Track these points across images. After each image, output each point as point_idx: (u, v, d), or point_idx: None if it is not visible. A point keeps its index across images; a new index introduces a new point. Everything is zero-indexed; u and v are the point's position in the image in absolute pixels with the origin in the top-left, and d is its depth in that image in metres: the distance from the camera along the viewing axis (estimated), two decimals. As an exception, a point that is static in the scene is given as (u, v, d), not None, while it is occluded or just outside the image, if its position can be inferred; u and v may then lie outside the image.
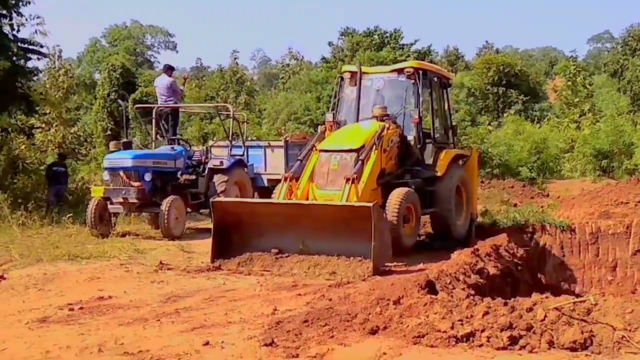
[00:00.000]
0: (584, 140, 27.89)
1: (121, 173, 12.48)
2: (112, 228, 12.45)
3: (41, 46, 18.16)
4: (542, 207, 15.39)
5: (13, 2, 17.07)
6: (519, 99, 41.58)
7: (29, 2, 17.25)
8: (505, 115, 38.72)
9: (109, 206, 12.54)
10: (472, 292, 7.25)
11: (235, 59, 49.87)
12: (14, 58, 17.41)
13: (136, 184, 12.37)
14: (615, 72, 42.93)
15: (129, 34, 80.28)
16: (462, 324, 5.37)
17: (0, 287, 8.11)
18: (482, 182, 19.85)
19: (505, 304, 5.77)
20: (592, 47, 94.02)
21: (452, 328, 5.31)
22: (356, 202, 9.15)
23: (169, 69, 14.75)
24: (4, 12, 17.03)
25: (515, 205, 16.09)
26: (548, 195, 19.83)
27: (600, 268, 12.98)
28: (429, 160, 11.40)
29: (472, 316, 5.47)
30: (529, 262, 12.07)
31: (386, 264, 8.98)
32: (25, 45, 17.75)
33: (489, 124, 34.88)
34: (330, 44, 46.53)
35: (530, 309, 5.55)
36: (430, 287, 6.73)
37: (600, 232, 13.00)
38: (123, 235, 12.34)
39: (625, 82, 40.15)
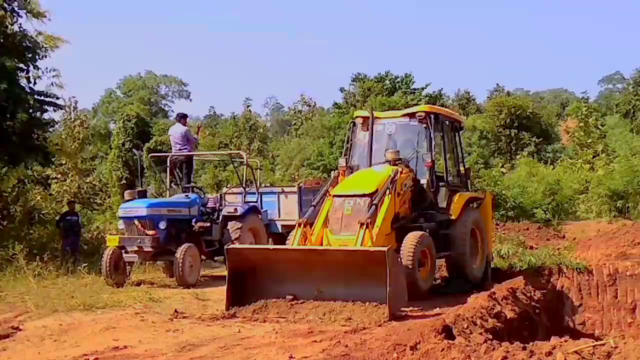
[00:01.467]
0: (599, 181, 27.79)
1: (136, 222, 12.54)
2: (127, 277, 12.45)
3: (57, 98, 18.43)
4: (558, 249, 15.26)
5: (30, 55, 17.39)
6: (532, 140, 41.65)
7: (46, 56, 17.58)
8: (518, 157, 38.76)
9: (124, 255, 12.57)
10: (490, 336, 7.16)
11: (248, 106, 50.55)
12: (31, 110, 17.67)
13: (151, 232, 12.42)
14: (627, 112, 42.99)
15: (144, 84, 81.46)
16: (480, 369, 5.30)
17: (15, 338, 8.10)
18: (497, 224, 19.74)
19: (524, 348, 5.70)
20: (603, 88, 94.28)
21: (470, 373, 5.25)
22: (371, 247, 9.13)
23: (182, 118, 14.92)
24: (21, 65, 17.35)
25: (531, 247, 15.96)
26: (564, 237, 19.70)
27: (619, 310, 12.79)
28: (443, 204, 11.39)
29: (490, 361, 5.40)
30: (547, 305, 11.92)
31: (402, 308, 8.90)
32: (42, 98, 18.00)
33: (502, 167, 34.85)
34: (342, 89, 47.03)
35: (549, 353, 5.48)
36: (447, 332, 6.65)
37: (618, 274, 12.85)
38: (138, 284, 12.34)
39: (638, 123, 40.15)
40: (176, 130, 14.55)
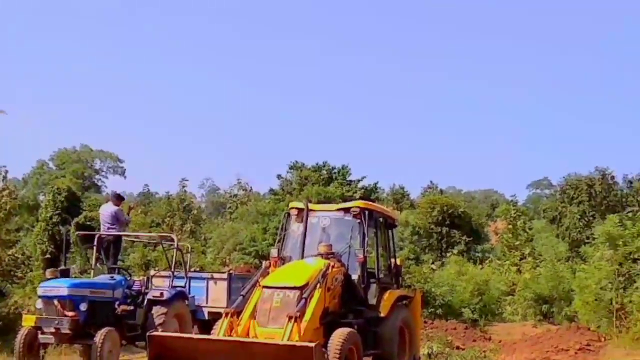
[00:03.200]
0: (525, 284, 28.38)
1: (55, 302, 12.04)
2: (40, 359, 11.85)
3: (-16, 167, 17.93)
4: (484, 351, 15.36)
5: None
6: (462, 239, 42.39)
7: (-23, 123, 17.19)
8: (448, 255, 39.31)
9: (40, 336, 11.98)
10: None
11: (184, 186, 50.06)
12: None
13: (70, 313, 11.92)
14: (554, 218, 44.33)
15: (78, 158, 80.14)
16: None
17: None
18: (425, 322, 19.77)
19: None
20: (531, 192, 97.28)
21: None
22: (298, 342, 8.97)
23: (117, 199, 14.61)
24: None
25: (457, 347, 16.01)
26: (490, 339, 19.86)
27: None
28: (373, 300, 11.36)
29: None
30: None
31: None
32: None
33: (433, 263, 35.26)
34: (279, 176, 47.16)
35: None
36: None
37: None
38: (52, 368, 11.75)
39: (564, 229, 41.43)
40: (107, 210, 14.25)
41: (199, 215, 50.02)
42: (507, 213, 41.67)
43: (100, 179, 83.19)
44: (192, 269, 17.20)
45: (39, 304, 12.40)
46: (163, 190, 79.43)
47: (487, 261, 38.61)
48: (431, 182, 62.99)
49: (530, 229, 41.35)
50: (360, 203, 12.21)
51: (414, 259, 36.08)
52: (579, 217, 40.46)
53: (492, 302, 27.80)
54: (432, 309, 23.98)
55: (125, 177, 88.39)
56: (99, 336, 11.63)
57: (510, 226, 39.30)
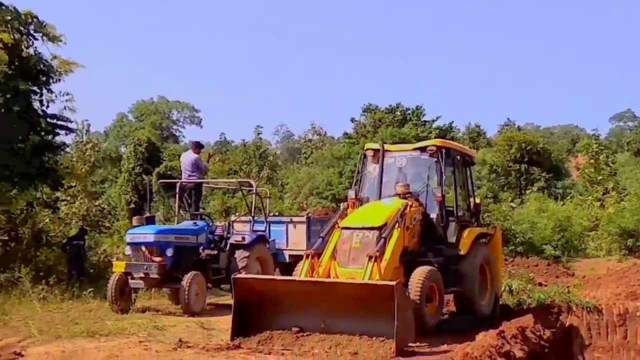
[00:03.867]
0: (609, 218, 27.63)
1: (143, 248, 12.50)
2: (132, 303, 12.38)
3: (70, 122, 18.53)
4: (567, 286, 15.08)
5: (44, 79, 17.52)
6: (542, 176, 41.53)
7: (60, 80, 17.72)
8: (528, 192, 38.62)
9: (130, 281, 12.50)
10: (498, 376, 7.05)
11: (259, 133, 50.63)
12: (43, 133, 17.76)
13: (158, 259, 12.36)
14: (638, 150, 42.82)
15: (156, 109, 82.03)
16: (488, 412, 5.19)
17: (18, 364, 8.03)
18: (506, 260, 19.58)
19: (533, 390, 5.58)
20: (614, 125, 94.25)
21: (478, 415, 5.14)
22: (378, 281, 9.03)
23: (197, 146, 14.91)
24: (35, 88, 17.47)
25: (540, 284, 15.80)
26: (573, 275, 19.52)
27: (629, 351, 12.60)
28: (452, 239, 11.28)
29: (499, 403, 5.29)
30: (556, 344, 11.75)
31: (409, 344, 8.79)
32: (54, 121, 18.10)
33: (512, 201, 34.73)
34: (352, 120, 47.05)
35: (559, 397, 5.36)
36: (455, 371, 6.55)
37: (628, 314, 12.67)
38: (143, 311, 12.25)
39: (649, 161, 40.02)
40: (188, 158, 14.57)
41: (275, 162, 50.54)
42: (588, 147, 40.47)
43: (177, 129, 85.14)
44: (271, 214, 17.48)
45: (128, 250, 12.90)
46: (239, 138, 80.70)
47: (568, 197, 37.76)
48: (508, 119, 61.86)
49: (613, 162, 40.10)
50: (437, 141, 12.05)
51: (492, 198, 35.61)
52: (665, 148, 38.95)
53: (574, 238, 27.22)
54: (513, 247, 23.69)
55: (201, 127, 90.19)
56: (185, 280, 12.03)
57: (592, 161, 38.17)
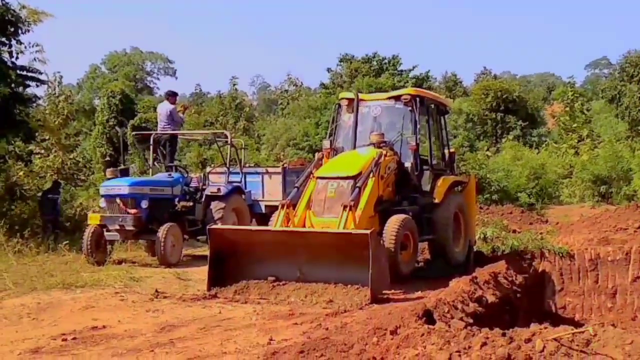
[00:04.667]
0: (583, 166, 27.95)
1: (118, 200, 12.44)
2: (108, 255, 12.36)
3: (40, 73, 18.15)
4: (541, 233, 15.29)
5: (12, 30, 17.09)
6: (517, 124, 41.72)
7: (28, 30, 17.29)
8: (503, 141, 38.84)
9: (105, 233, 12.47)
10: (471, 321, 7.18)
11: (235, 85, 50.07)
12: (13, 85, 17.41)
13: (133, 211, 12.32)
14: (613, 98, 43.02)
15: (129, 61, 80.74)
16: (459, 356, 5.27)
17: (-7, 316, 8.02)
18: (481, 208, 19.78)
19: (504, 334, 5.68)
20: (589, 73, 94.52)
21: (449, 359, 5.23)
22: (353, 230, 9.10)
23: (171, 96, 14.77)
24: (3, 39, 17.02)
25: (514, 231, 16.00)
26: (547, 222, 19.78)
27: (600, 295, 12.86)
28: (427, 187, 11.36)
29: (469, 347, 5.37)
30: (528, 289, 11.96)
31: (384, 291, 8.90)
32: (24, 73, 17.74)
33: (487, 150, 34.95)
34: (329, 70, 46.80)
35: (528, 340, 5.46)
36: (428, 317, 6.65)
37: (599, 259, 12.91)
38: (119, 263, 12.26)
39: (623, 108, 40.22)
40: (163, 108, 14.49)
41: (251, 113, 50.18)
42: (564, 95, 40.63)
43: (152, 81, 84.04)
44: (247, 165, 17.43)
45: (102, 203, 12.85)
46: (214, 90, 79.86)
47: (543, 145, 38.07)
48: (484, 67, 61.67)
49: (588, 110, 40.34)
50: (411, 90, 12.03)
51: (468, 147, 35.81)
52: (639, 95, 39.11)
53: (548, 186, 27.51)
54: (488, 195, 23.93)
55: (176, 78, 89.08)
56: (161, 232, 12.03)
57: (567, 108, 38.36)
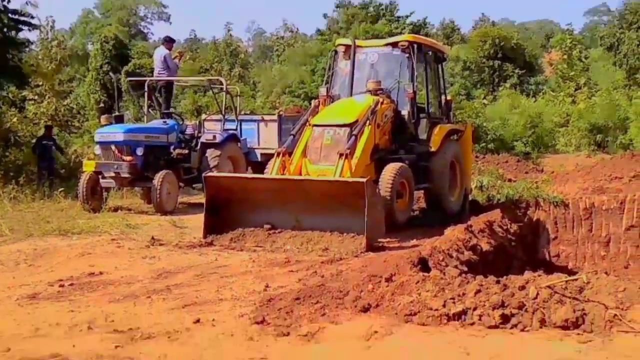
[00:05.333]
0: (579, 114, 27.90)
1: (113, 147, 12.38)
2: (103, 203, 12.38)
3: (32, 17, 17.95)
4: (536, 182, 15.35)
5: (3, -28, 16.81)
6: (515, 72, 41.46)
7: (19, -27, 17.01)
8: (500, 89, 38.63)
9: (101, 180, 12.45)
10: (465, 269, 7.23)
11: (230, 31, 49.59)
12: (5, 30, 17.18)
13: (128, 158, 12.28)
14: (612, 45, 42.72)
15: (122, 5, 79.51)
16: (454, 302, 5.34)
17: (-10, 262, 8.05)
18: (477, 156, 19.81)
19: (498, 282, 5.74)
20: (588, 20, 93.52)
21: (444, 306, 5.28)
22: (349, 178, 9.09)
23: (167, 42, 14.62)
24: (-7, -17, 16.78)
25: (509, 180, 16.06)
26: (542, 171, 19.84)
27: (594, 243, 12.97)
28: (423, 136, 11.32)
29: (464, 294, 5.44)
30: (523, 237, 12.07)
31: (379, 239, 8.94)
32: (16, 17, 17.50)
33: (484, 98, 34.81)
34: (325, 16, 46.43)
35: (522, 287, 5.52)
36: (423, 264, 6.70)
37: (594, 208, 12.98)
38: (115, 210, 12.28)
39: (622, 56, 39.98)
40: (158, 53, 14.39)
41: (246, 60, 49.80)
42: (562, 43, 40.27)
43: (145, 26, 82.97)
44: (243, 113, 17.34)
45: (97, 150, 12.79)
46: (209, 36, 79.01)
47: (540, 93, 37.90)
48: (483, 14, 61.22)
49: (586, 58, 40.08)
50: (409, 37, 11.88)
51: (465, 95, 35.72)
52: (637, 42, 38.78)
53: (545, 135, 27.50)
54: (484, 144, 23.95)
55: (170, 23, 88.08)
56: (157, 179, 12.01)
57: (565, 56, 38.09)
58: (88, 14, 78.56)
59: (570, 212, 13.04)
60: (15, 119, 19.22)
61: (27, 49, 20.76)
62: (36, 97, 24.35)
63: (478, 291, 5.45)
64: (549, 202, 13.08)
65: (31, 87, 22.43)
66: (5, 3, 17.11)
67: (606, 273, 8.88)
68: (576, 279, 5.68)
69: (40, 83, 23.79)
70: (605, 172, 15.44)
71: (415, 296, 5.54)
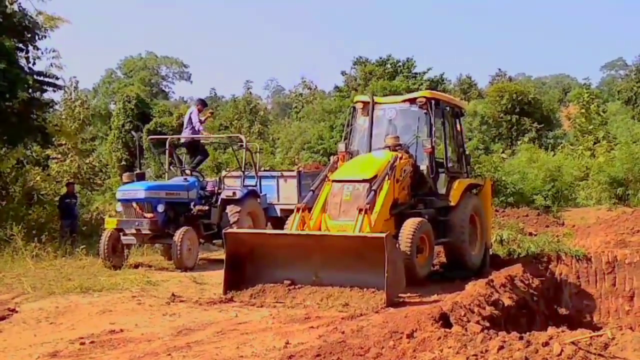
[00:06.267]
0: (599, 168, 27.71)
1: (134, 204, 12.50)
2: (124, 259, 12.43)
3: (57, 78, 18.31)
4: (557, 236, 15.23)
5: (29, 35, 17.27)
6: (533, 126, 41.45)
7: (45, 36, 17.47)
8: (519, 143, 38.60)
9: (122, 237, 12.54)
10: (487, 324, 7.15)
11: (249, 88, 50.41)
12: (30, 90, 17.57)
13: (149, 215, 12.38)
14: (629, 99, 42.77)
15: (144, 65, 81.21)
16: (476, 359, 5.27)
17: (12, 320, 8.09)
18: (497, 210, 19.71)
19: (521, 338, 5.66)
20: (605, 74, 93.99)
21: (466, 363, 5.22)
22: (369, 233, 9.09)
23: (200, 103, 15.07)
24: (21, 45, 17.24)
25: (530, 234, 15.93)
26: (563, 224, 19.68)
27: (617, 298, 12.80)
28: (442, 190, 11.33)
29: (486, 351, 5.37)
30: (545, 292, 11.91)
31: (400, 295, 8.90)
32: (41, 78, 17.91)
33: (503, 152, 34.75)
34: (343, 73, 46.84)
35: (546, 343, 5.44)
36: (444, 320, 6.63)
37: (616, 262, 12.84)
38: (136, 267, 12.32)
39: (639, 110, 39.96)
40: (188, 113, 14.83)
41: (265, 117, 50.36)
42: (579, 97, 40.31)
43: (167, 85, 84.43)
44: (262, 169, 17.49)
45: (119, 207, 12.91)
46: (229, 94, 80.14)
47: (559, 147, 37.78)
48: (499, 69, 61.46)
49: (604, 111, 40.01)
50: (426, 93, 12.00)
51: (483, 149, 35.65)
52: (655, 96, 38.81)
53: (565, 188, 27.33)
54: (503, 198, 23.79)
55: (191, 82, 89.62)
56: (177, 235, 12.07)
57: (583, 110, 38.07)
58: (111, 74, 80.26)
59: (593, 266, 12.90)
60: (38, 178, 19.49)
61: (52, 109, 21.16)
62: (59, 155, 24.75)
63: (501, 347, 5.38)
64: (571, 256, 12.97)
65: (55, 145, 22.78)
66: (31, 65, 17.55)
67: (631, 328, 8.75)
68: (601, 335, 5.60)
69: (64, 142, 24.20)
70: (627, 225, 15.30)
71: (438, 353, 5.48)
